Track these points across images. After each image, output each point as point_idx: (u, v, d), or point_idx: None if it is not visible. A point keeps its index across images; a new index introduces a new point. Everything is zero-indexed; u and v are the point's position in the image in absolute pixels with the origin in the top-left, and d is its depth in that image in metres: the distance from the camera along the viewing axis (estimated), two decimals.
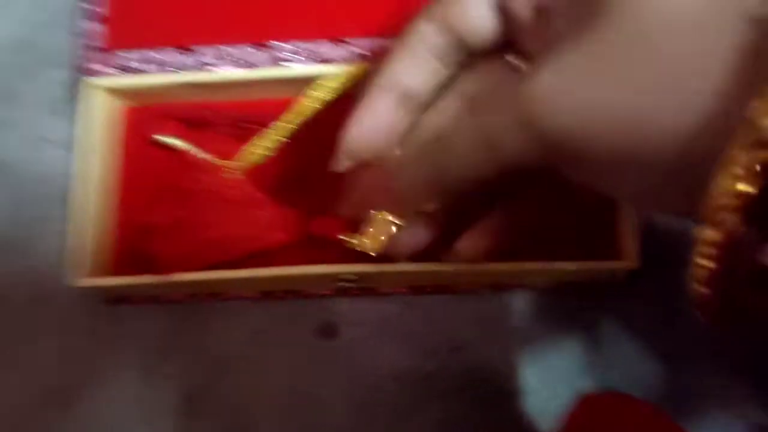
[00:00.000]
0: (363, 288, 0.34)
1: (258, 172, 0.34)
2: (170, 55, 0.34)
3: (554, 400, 0.32)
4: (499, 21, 0.25)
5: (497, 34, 0.25)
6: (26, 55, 0.39)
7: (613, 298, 0.34)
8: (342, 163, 0.27)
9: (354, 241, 0.28)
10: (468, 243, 0.28)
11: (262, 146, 0.34)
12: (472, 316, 0.34)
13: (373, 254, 0.28)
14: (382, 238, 0.27)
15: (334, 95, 0.33)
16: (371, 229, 0.27)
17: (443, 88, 0.26)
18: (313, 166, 0.32)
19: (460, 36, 0.25)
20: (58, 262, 0.35)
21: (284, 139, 0.34)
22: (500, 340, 0.34)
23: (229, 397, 0.33)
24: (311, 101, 0.33)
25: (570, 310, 0.34)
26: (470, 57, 0.26)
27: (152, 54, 0.34)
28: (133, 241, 0.33)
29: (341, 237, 0.29)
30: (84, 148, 0.33)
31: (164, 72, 0.34)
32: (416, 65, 0.25)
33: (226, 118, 0.34)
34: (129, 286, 0.32)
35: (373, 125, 0.26)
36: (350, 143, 0.26)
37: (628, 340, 0.33)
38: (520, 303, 0.34)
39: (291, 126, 0.34)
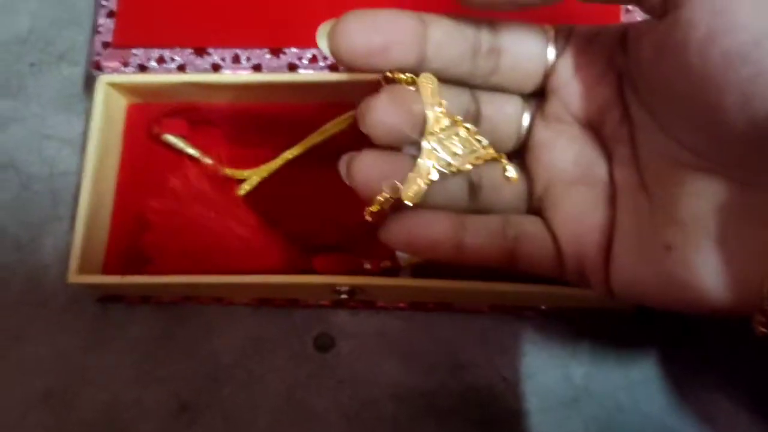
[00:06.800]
0: (361, 301, 0.33)
1: (260, 190, 0.34)
2: (184, 56, 0.34)
3: (555, 425, 0.32)
4: None
5: None
6: (38, 50, 0.39)
7: (618, 325, 0.33)
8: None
9: (385, 193, 0.22)
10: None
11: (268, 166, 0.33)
12: (475, 337, 0.33)
13: (410, 204, 0.22)
14: (420, 183, 0.22)
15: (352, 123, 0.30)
16: (411, 173, 0.22)
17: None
18: (318, 193, 0.31)
19: None
20: (55, 261, 0.35)
21: (290, 158, 0.33)
22: (502, 361, 0.33)
23: (224, 403, 0.33)
24: (332, 127, 0.31)
25: (574, 334, 0.33)
26: None
27: (167, 53, 0.34)
28: (127, 240, 0.33)
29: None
30: (96, 146, 0.33)
31: (178, 72, 0.34)
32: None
33: (232, 120, 0.34)
34: (128, 286, 0.32)
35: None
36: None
37: (632, 366, 0.32)
38: (524, 325, 0.33)
39: (299, 150, 0.33)
